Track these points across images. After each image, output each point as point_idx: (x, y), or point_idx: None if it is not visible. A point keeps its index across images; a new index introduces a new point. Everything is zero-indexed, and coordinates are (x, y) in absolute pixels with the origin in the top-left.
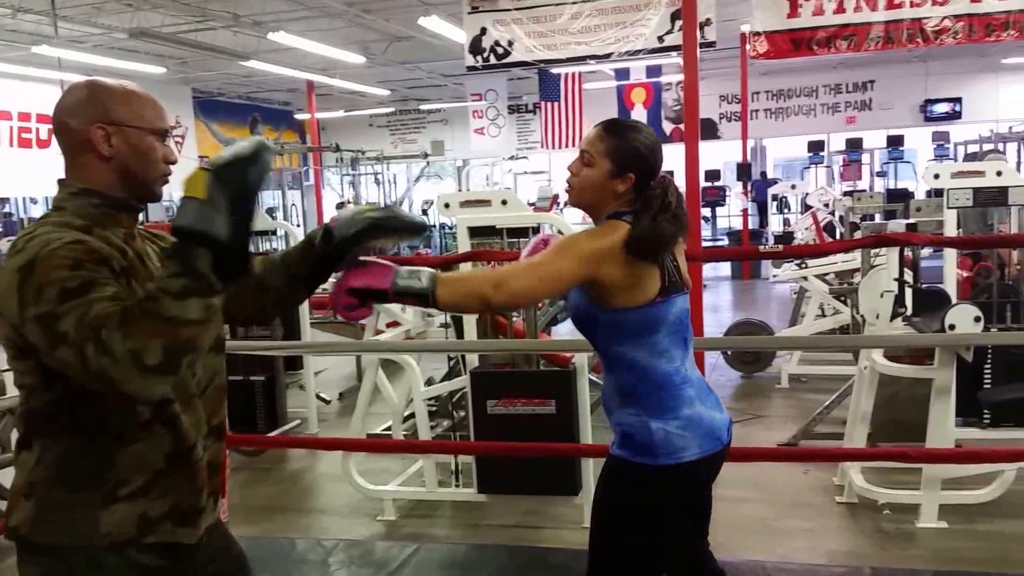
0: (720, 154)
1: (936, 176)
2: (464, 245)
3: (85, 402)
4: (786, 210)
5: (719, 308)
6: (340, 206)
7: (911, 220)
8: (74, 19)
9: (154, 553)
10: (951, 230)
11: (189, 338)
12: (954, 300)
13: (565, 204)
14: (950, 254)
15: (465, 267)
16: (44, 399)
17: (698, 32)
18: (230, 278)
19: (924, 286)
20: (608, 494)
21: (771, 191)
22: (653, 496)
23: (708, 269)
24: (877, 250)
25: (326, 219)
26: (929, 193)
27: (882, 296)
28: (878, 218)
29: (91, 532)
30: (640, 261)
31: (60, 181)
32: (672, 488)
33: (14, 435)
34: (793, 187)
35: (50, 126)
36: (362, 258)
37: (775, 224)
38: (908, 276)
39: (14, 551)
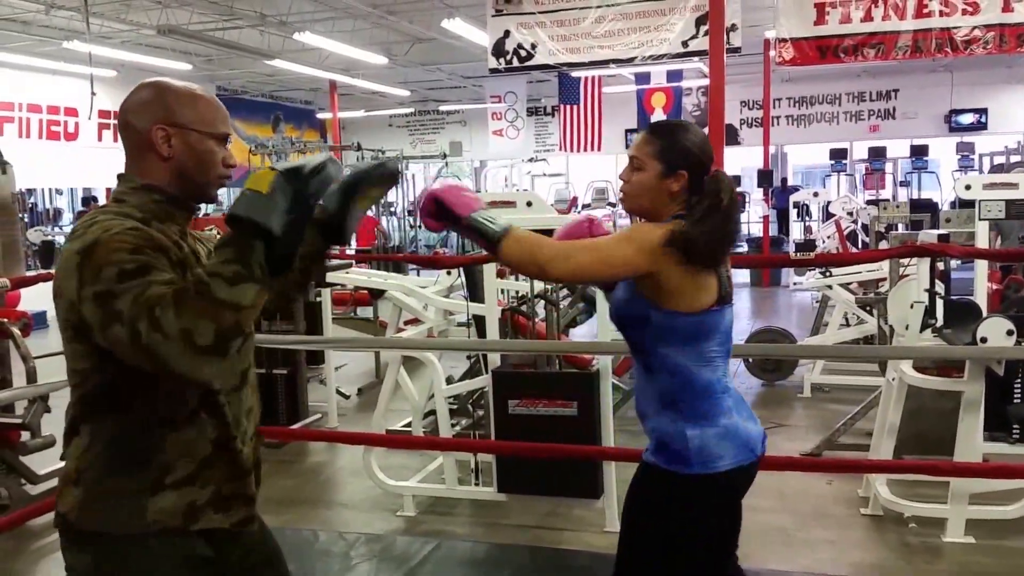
0: (740, 160)
1: (968, 187)
2: None
3: (135, 388)
4: (807, 218)
5: (738, 315)
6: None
7: (942, 231)
8: (104, 15)
9: (200, 540)
10: (983, 241)
11: (238, 322)
12: (985, 312)
13: (584, 206)
14: (981, 266)
15: (489, 268)
16: (96, 383)
17: (724, 37)
18: (276, 273)
19: (954, 298)
20: (639, 500)
21: (792, 198)
22: (685, 504)
23: None
24: (905, 260)
25: None
26: (954, 204)
27: (912, 307)
28: (901, 228)
29: (138, 519)
30: (689, 264)
31: (121, 175)
32: (704, 497)
33: (43, 421)
34: (815, 195)
35: (77, 119)
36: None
37: (796, 232)
38: (939, 287)
39: (43, 535)
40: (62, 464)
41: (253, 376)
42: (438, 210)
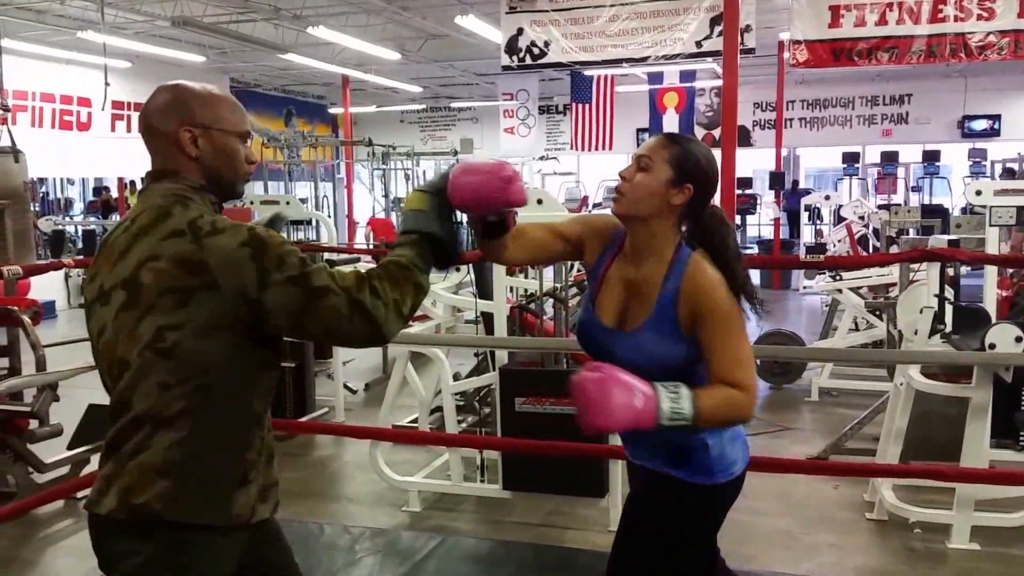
0: (752, 162)
1: (978, 193)
2: None
3: (246, 385)
4: (818, 221)
5: (747, 317)
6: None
7: (952, 236)
8: (119, 6)
9: (250, 532)
10: (993, 247)
11: (420, 301)
12: (994, 319)
13: (595, 205)
14: (991, 272)
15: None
16: (218, 376)
17: (738, 38)
18: (445, 266)
19: (963, 304)
20: (660, 514)
21: (804, 201)
22: (709, 514)
23: None
24: (916, 265)
25: (356, 211)
26: (964, 210)
27: (921, 312)
28: (912, 233)
29: (224, 512)
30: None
31: (167, 173)
32: (721, 502)
33: (52, 409)
34: (827, 198)
35: (90, 109)
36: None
37: (807, 235)
38: (948, 293)
39: (50, 522)
40: (71, 453)
41: None
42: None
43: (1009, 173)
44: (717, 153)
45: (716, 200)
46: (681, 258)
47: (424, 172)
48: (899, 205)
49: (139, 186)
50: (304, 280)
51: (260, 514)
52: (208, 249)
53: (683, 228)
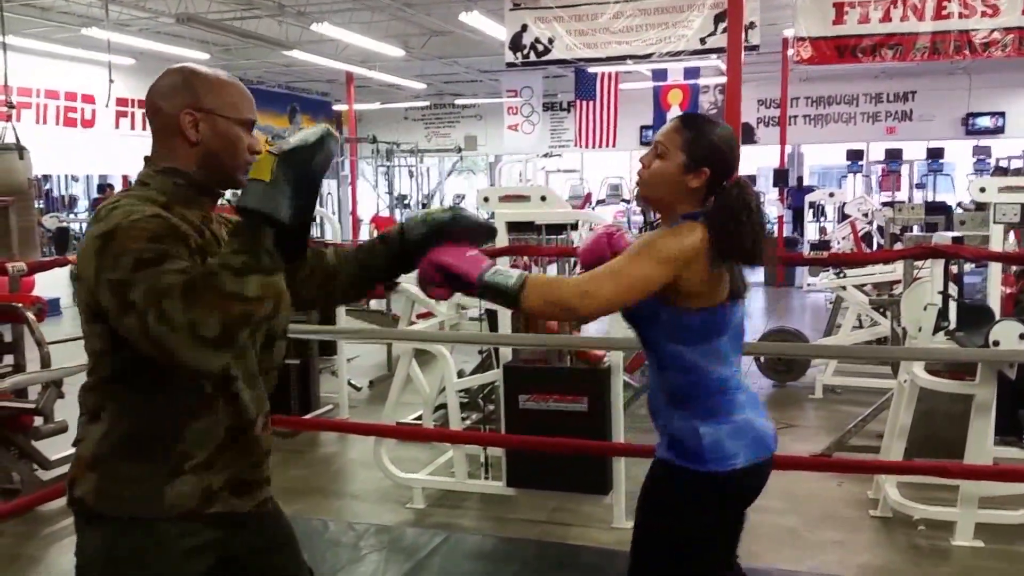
0: (757, 159)
1: (982, 190)
2: (502, 240)
3: (154, 374)
4: (822, 218)
5: (751, 314)
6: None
7: (956, 233)
8: (123, 3)
9: (212, 524)
10: (997, 244)
11: (245, 313)
12: (998, 316)
13: (598, 202)
14: (995, 269)
15: (502, 261)
16: (113, 367)
17: (743, 35)
18: (290, 259)
19: (968, 301)
20: (652, 497)
21: (808, 198)
22: (698, 502)
23: None
24: (920, 262)
25: (360, 208)
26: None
27: (925, 309)
28: (916, 230)
29: (156, 504)
30: (722, 264)
31: (147, 158)
32: (719, 495)
33: (57, 406)
34: (831, 195)
35: (94, 106)
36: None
37: (811, 232)
38: (952, 290)
39: (54, 519)
40: (74, 449)
41: (277, 365)
42: (444, 277)
43: (1001, 171)
44: None
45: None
46: (674, 224)
47: (428, 169)
48: (903, 202)
49: None
50: (122, 288)
51: (229, 506)
52: (84, 237)
53: (707, 205)
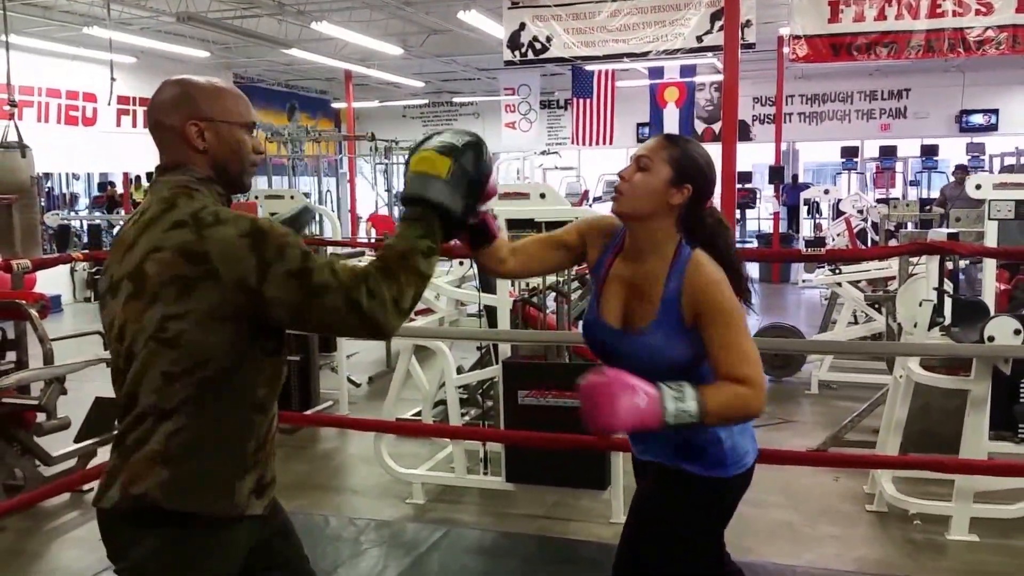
0: (752, 156)
1: (978, 187)
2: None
3: (248, 373)
4: (817, 215)
5: (747, 311)
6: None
7: (951, 230)
8: (124, 1)
9: (254, 524)
10: (992, 241)
11: (425, 289)
12: (992, 312)
13: (595, 200)
14: (989, 265)
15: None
16: (220, 366)
17: (739, 33)
18: (449, 240)
19: (963, 296)
20: (676, 509)
21: (803, 195)
22: (723, 506)
23: None
24: (915, 259)
25: (358, 205)
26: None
27: (921, 305)
28: (910, 227)
29: (228, 501)
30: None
31: (175, 166)
32: (734, 495)
33: (59, 403)
34: (826, 192)
35: (95, 105)
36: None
37: (806, 229)
38: (947, 286)
39: (57, 515)
40: (78, 445)
41: None
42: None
43: (961, 170)
44: (717, 147)
45: (717, 194)
46: (682, 257)
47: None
48: (897, 199)
49: (144, 181)
50: (303, 275)
51: (253, 509)
52: (209, 239)
53: (682, 228)
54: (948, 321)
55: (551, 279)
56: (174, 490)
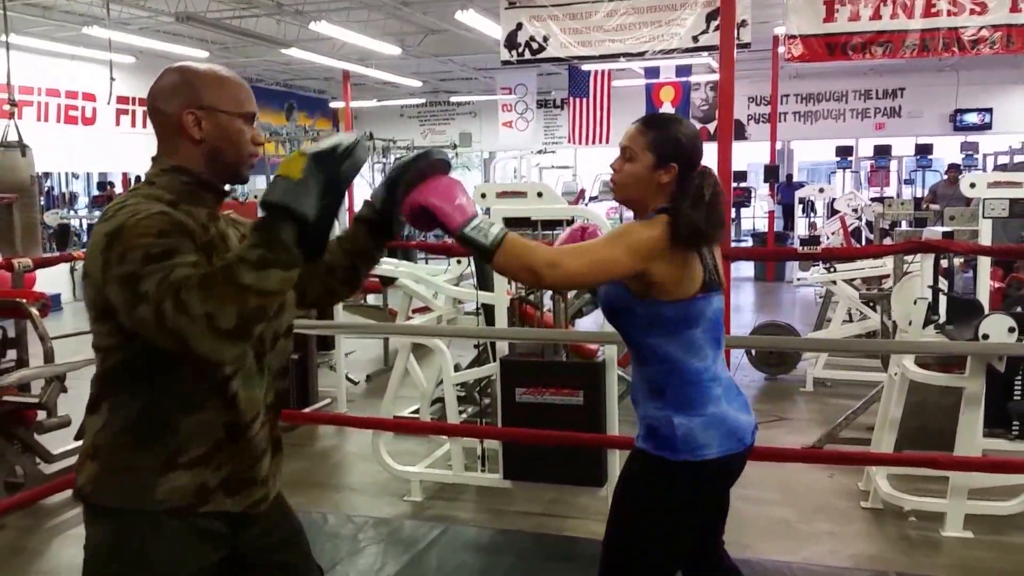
0: (747, 155)
1: (972, 185)
2: None
3: (155, 368)
4: (812, 213)
5: (741, 309)
6: None
7: (946, 228)
8: (124, 2)
9: (212, 519)
10: (986, 239)
11: (261, 307)
12: (986, 310)
13: (591, 199)
14: (984, 263)
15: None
16: (117, 360)
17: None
18: (309, 257)
19: (957, 295)
20: (628, 485)
21: (798, 194)
22: (670, 490)
23: (730, 269)
24: (909, 257)
25: (356, 205)
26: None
27: (915, 303)
28: (904, 225)
29: (147, 496)
30: (682, 250)
31: (154, 157)
32: (690, 484)
33: (59, 401)
34: (821, 191)
35: (94, 104)
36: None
37: (801, 227)
38: (942, 284)
39: (58, 512)
40: (78, 443)
41: (277, 364)
42: (428, 216)
43: (953, 168)
44: (713, 147)
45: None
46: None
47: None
48: (892, 198)
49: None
50: (132, 281)
51: (223, 506)
52: (91, 237)
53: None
54: (943, 319)
55: None
56: (98, 484)
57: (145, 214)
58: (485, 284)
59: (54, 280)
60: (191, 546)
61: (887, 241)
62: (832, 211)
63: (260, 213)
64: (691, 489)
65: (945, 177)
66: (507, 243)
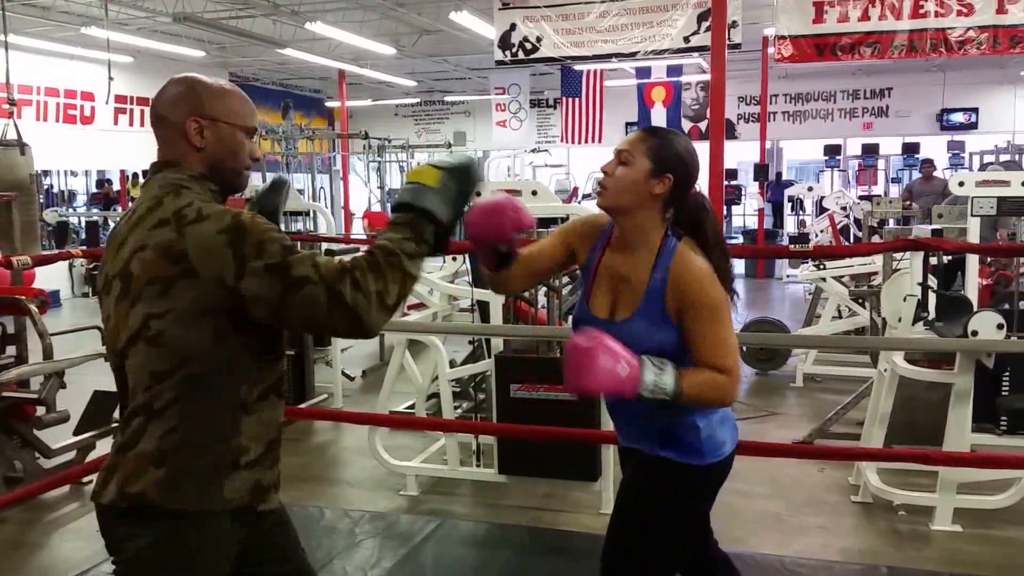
0: (737, 154)
1: (961, 184)
2: None
3: (229, 372)
4: (801, 211)
5: (732, 306)
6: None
7: (935, 226)
8: (121, 2)
9: (254, 518)
10: (974, 237)
11: (409, 289)
12: (975, 307)
13: (584, 197)
14: (972, 261)
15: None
16: (204, 365)
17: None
18: (438, 253)
19: (946, 292)
20: (648, 493)
21: (787, 192)
22: (699, 494)
23: None
24: (899, 254)
25: (352, 203)
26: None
27: (905, 300)
28: (892, 223)
29: (216, 498)
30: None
31: (165, 163)
32: (709, 483)
33: (58, 396)
34: (810, 189)
35: (93, 103)
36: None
37: (790, 225)
38: (931, 282)
39: (56, 507)
40: (77, 438)
41: None
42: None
43: (928, 164)
44: (704, 145)
45: (705, 192)
46: (668, 248)
47: (418, 164)
48: (880, 196)
49: (141, 179)
50: (282, 269)
51: (271, 503)
52: (188, 237)
53: (668, 217)
54: (932, 316)
55: None
56: (169, 488)
57: (243, 213)
58: (480, 281)
59: (53, 277)
60: (232, 545)
61: (876, 239)
62: (821, 209)
63: (392, 212)
64: (712, 488)
65: (920, 175)
66: (685, 385)
